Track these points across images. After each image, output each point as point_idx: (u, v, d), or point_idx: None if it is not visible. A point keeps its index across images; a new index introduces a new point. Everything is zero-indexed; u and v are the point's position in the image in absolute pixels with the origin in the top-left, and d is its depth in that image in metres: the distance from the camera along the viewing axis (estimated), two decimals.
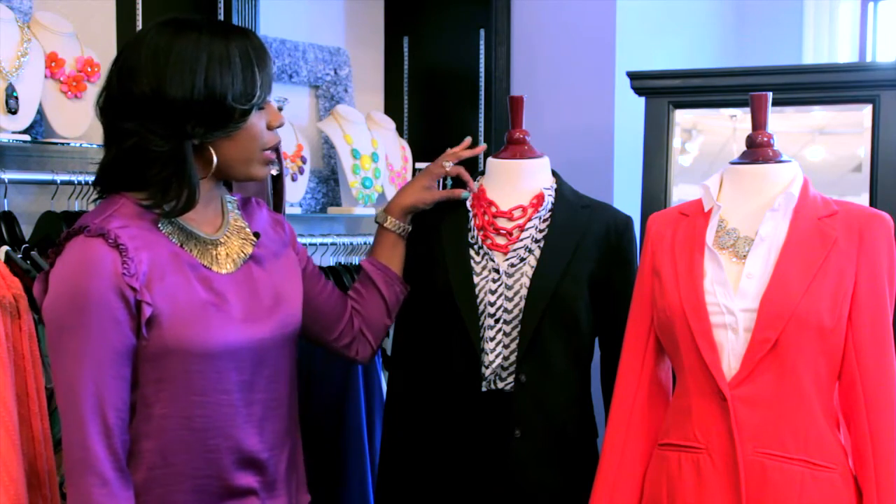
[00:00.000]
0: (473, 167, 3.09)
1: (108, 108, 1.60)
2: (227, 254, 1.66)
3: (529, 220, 1.96)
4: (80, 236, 1.54)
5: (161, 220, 1.60)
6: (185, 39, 1.57)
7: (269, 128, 1.66)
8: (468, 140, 2.06)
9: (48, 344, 1.56)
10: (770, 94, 1.80)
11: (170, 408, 1.57)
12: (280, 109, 2.47)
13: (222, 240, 1.67)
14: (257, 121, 1.63)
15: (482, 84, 3.10)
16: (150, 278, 1.54)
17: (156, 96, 1.54)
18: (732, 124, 2.55)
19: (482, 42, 3.09)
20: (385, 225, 1.99)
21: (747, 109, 1.82)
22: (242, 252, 1.69)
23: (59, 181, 2.13)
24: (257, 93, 1.60)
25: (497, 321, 1.91)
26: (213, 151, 1.60)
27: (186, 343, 1.55)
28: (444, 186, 3.07)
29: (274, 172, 2.22)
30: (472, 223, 1.97)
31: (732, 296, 1.69)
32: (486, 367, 1.90)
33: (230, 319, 1.61)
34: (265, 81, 1.62)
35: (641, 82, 2.55)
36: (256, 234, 1.72)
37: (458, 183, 2.05)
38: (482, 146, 2.04)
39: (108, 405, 1.51)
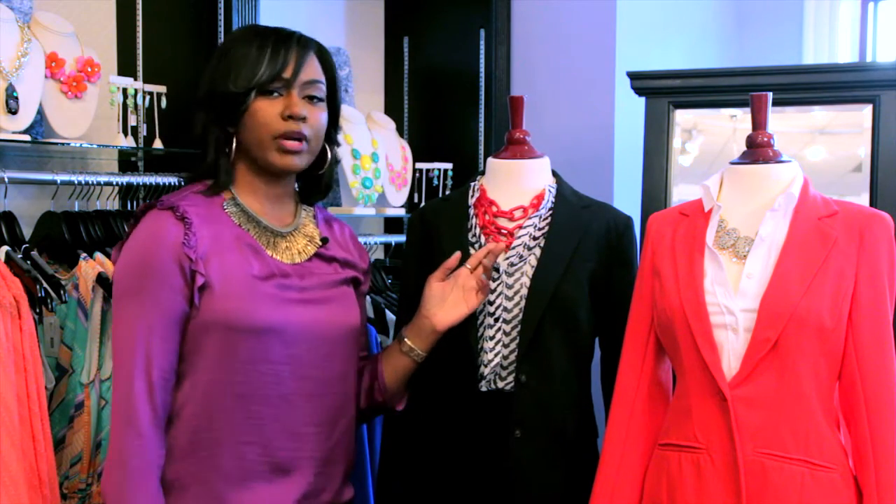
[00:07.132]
0: (474, 167, 3.10)
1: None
2: (287, 246, 1.76)
3: (528, 218, 1.95)
4: (153, 210, 1.68)
5: (226, 202, 1.73)
6: (226, 42, 1.77)
7: (283, 117, 1.70)
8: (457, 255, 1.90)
9: (112, 307, 1.69)
10: (770, 94, 1.80)
11: (215, 373, 1.65)
12: None
13: (286, 235, 1.76)
14: (265, 107, 1.70)
15: (482, 84, 3.10)
16: (209, 253, 1.66)
17: (198, 92, 1.76)
18: (732, 124, 2.55)
19: (482, 42, 3.09)
20: (402, 349, 1.86)
21: (747, 109, 1.82)
22: (305, 250, 1.77)
23: (59, 181, 2.13)
24: (257, 77, 1.69)
25: (497, 321, 1.91)
26: (235, 137, 1.73)
27: (233, 316, 1.64)
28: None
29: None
30: (473, 222, 1.97)
31: (732, 296, 1.69)
32: (486, 367, 1.90)
33: (283, 300, 1.69)
34: (277, 69, 1.69)
35: (641, 82, 2.55)
36: (324, 240, 1.80)
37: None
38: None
39: (155, 365, 1.62)
